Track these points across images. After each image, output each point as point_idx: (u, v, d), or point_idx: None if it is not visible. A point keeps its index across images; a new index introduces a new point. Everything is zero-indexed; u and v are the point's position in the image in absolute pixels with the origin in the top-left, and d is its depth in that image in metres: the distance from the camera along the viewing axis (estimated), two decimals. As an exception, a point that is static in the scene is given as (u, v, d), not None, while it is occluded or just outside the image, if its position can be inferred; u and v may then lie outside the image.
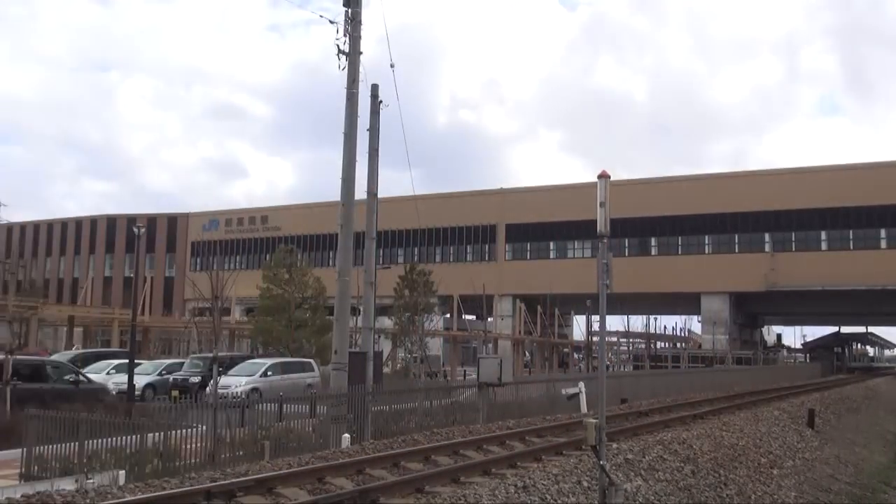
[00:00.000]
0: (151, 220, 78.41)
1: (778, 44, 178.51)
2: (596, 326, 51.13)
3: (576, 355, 70.83)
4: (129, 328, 34.51)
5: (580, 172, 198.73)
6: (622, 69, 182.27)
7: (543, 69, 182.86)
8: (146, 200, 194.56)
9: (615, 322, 68.47)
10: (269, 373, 28.68)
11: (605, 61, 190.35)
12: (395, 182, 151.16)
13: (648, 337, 70.83)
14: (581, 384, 18.40)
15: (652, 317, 71.73)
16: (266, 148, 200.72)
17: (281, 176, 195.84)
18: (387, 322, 45.11)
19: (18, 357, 21.63)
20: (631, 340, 71.98)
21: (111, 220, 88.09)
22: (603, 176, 9.68)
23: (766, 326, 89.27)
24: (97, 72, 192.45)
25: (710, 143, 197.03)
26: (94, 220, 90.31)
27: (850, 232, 58.95)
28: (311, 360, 33.04)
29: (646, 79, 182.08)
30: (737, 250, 62.08)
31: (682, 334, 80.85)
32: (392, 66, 18.50)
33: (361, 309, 21.52)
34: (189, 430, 13.06)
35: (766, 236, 61.19)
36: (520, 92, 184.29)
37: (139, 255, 56.62)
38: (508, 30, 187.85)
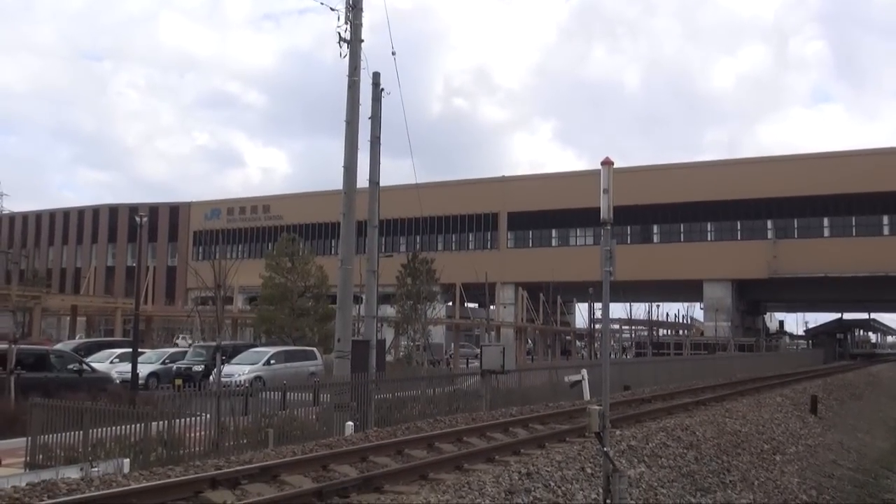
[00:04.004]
0: (153, 210, 78.35)
1: (768, 31, 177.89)
2: (598, 314, 51.16)
3: (578, 343, 70.89)
4: (131, 317, 34.57)
5: (574, 161, 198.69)
6: (615, 57, 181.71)
7: (536, 57, 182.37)
8: (143, 190, 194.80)
9: (618, 310, 68.60)
10: (272, 361, 28.73)
11: (598, 50, 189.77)
12: (393, 170, 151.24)
13: (651, 324, 70.84)
14: (584, 371, 18.45)
15: (654, 304, 71.83)
16: (261, 136, 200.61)
17: (277, 164, 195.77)
18: (389, 310, 45.13)
19: (22, 347, 21.67)
20: (633, 328, 71.95)
21: (113, 210, 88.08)
22: (606, 163, 9.63)
23: (768, 313, 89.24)
24: (90, 61, 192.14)
25: (704, 131, 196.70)
26: (96, 210, 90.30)
27: (853, 219, 58.82)
28: (314, 349, 33.09)
29: (638, 67, 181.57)
30: (739, 237, 61.97)
31: (685, 321, 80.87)
32: (393, 53, 18.49)
33: (364, 297, 21.51)
34: (193, 418, 13.09)
35: (769, 223, 61.06)
36: (513, 80, 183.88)
37: (141, 245, 56.64)
38: (501, 17, 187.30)
